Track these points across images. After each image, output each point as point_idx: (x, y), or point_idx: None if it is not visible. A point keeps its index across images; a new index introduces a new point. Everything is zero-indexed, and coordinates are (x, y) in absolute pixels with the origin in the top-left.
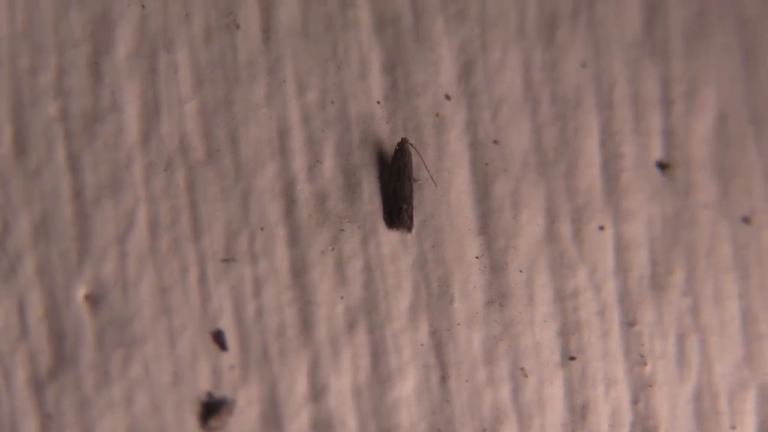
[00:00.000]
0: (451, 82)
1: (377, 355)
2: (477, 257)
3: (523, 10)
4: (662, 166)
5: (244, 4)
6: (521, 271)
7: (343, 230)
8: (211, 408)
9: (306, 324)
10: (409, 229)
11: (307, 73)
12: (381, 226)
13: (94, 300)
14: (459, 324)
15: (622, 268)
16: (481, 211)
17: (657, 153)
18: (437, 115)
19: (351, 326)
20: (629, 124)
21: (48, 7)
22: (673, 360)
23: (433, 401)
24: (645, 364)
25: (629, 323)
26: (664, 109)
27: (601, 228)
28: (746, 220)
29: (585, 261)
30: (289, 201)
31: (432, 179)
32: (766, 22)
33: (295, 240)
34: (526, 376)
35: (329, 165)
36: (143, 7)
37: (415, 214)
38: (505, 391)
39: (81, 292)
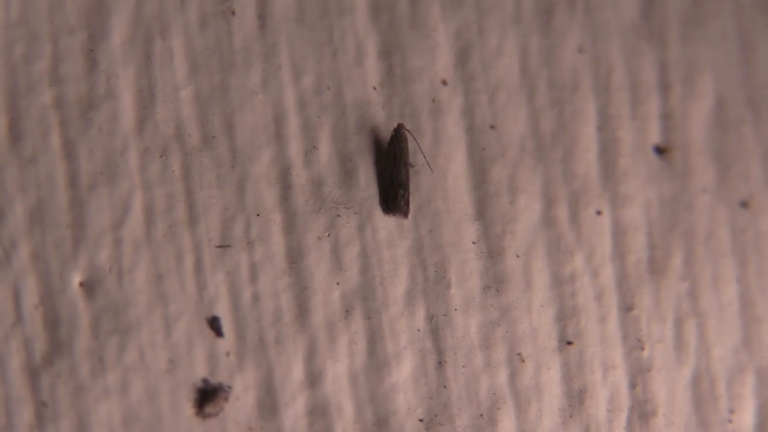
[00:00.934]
0: (448, 67)
1: (374, 340)
2: (474, 242)
3: None
4: (660, 150)
5: None
6: (518, 256)
7: (339, 216)
8: (207, 394)
9: (302, 310)
10: (406, 214)
11: (302, 59)
12: (377, 211)
13: (89, 287)
14: (456, 309)
15: (619, 253)
16: (477, 196)
17: (654, 137)
18: (433, 100)
19: (347, 312)
20: (626, 108)
21: None
22: (671, 344)
23: (430, 386)
24: (643, 348)
25: (627, 308)
26: (661, 93)
27: (599, 213)
28: (744, 205)
29: (582, 246)
30: (285, 187)
31: (428, 165)
32: (763, 7)
33: (291, 226)
34: (523, 361)
35: (325, 151)
36: None
37: (411, 199)
38: (502, 376)
39: (76, 279)
